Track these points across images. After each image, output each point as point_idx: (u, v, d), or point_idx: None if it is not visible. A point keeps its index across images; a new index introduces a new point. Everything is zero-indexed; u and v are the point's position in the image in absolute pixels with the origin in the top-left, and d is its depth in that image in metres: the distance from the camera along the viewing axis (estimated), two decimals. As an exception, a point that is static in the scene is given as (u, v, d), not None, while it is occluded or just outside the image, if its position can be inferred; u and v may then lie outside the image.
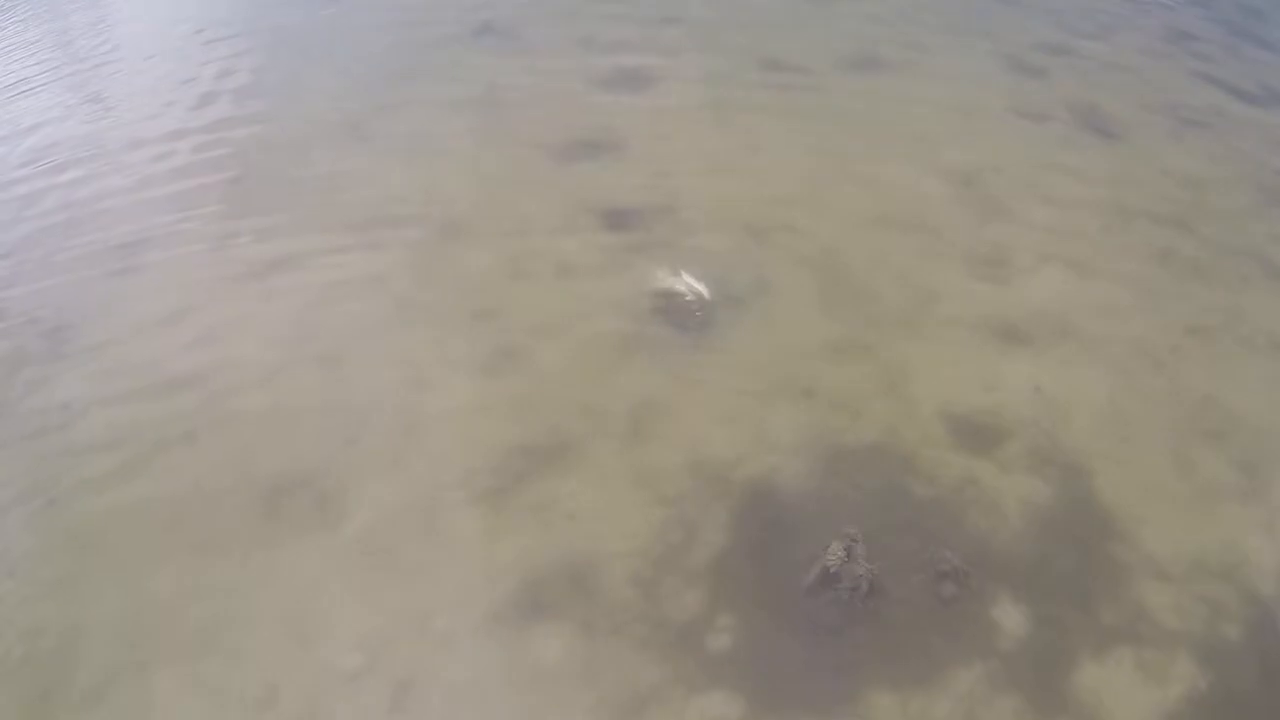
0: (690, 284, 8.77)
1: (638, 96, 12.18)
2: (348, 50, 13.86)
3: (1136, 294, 9.35)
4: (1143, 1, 16.88)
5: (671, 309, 8.65)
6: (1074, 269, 9.58)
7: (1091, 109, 12.70)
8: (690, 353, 8.25)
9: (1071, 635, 6.42)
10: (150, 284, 9.38)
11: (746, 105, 12.09)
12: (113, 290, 9.33)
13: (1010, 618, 6.44)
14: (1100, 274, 9.56)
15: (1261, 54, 15.45)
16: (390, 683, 6.00)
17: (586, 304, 8.73)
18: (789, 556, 6.63)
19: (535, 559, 6.63)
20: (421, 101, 12.15)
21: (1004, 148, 11.62)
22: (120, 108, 12.85)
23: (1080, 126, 12.36)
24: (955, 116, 12.22)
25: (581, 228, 9.73)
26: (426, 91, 12.40)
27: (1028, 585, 6.63)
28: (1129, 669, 6.29)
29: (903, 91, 12.70)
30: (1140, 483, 7.45)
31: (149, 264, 9.63)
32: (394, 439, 7.50)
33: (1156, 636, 6.47)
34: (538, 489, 7.08)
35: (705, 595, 6.44)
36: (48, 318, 9.03)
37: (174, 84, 13.22)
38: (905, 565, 6.59)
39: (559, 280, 9.01)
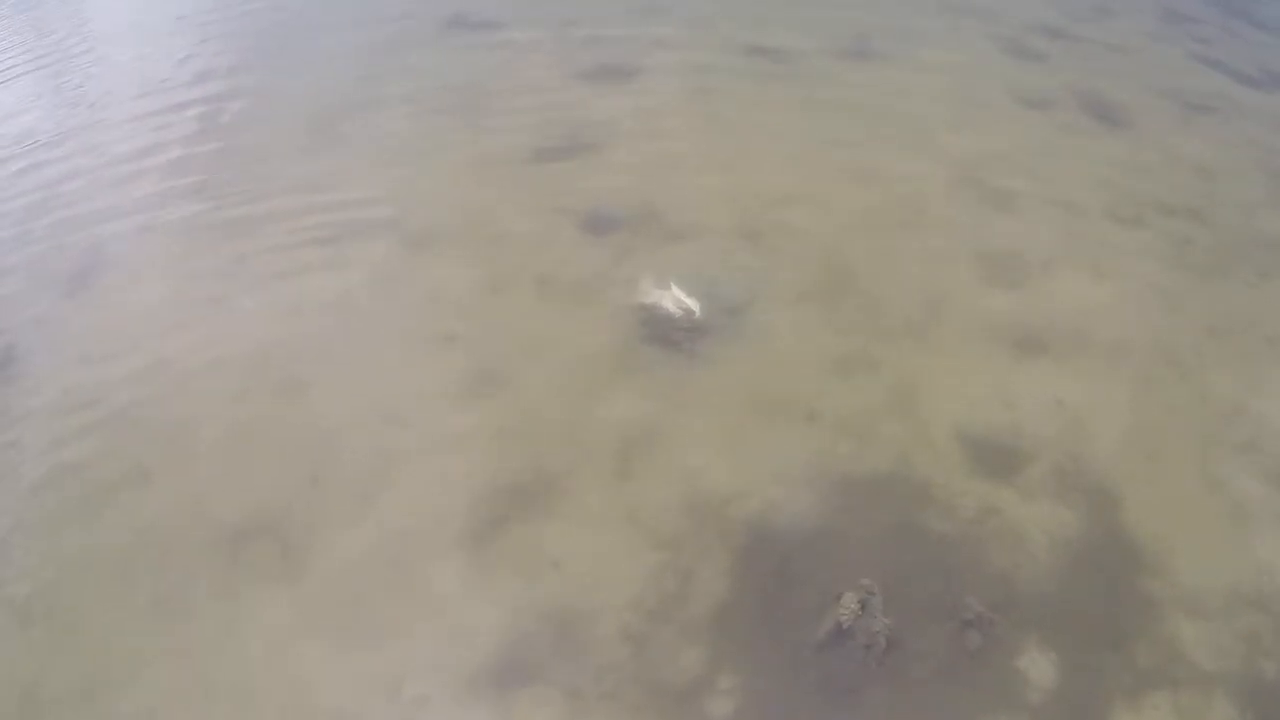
0: (679, 297, 8.11)
1: (620, 89, 11.52)
2: (314, 46, 13.17)
3: (1155, 293, 8.82)
4: (1136, -20, 16.42)
5: (661, 324, 8.00)
6: (1089, 267, 9.02)
7: (1095, 95, 12.17)
8: (682, 373, 7.62)
9: (1104, 682, 5.88)
10: (102, 305, 8.69)
11: (735, 97, 11.46)
12: (63, 313, 8.61)
13: (1038, 667, 5.88)
14: (1116, 272, 9.01)
15: (1259, 35, 15.08)
16: (358, 761, 5.38)
17: (568, 321, 8.08)
18: (797, 606, 6.03)
19: (517, 614, 6.01)
20: (391, 99, 11.46)
21: (1008, 137, 11.07)
22: (85, 109, 12.10)
23: (1085, 113, 11.83)
24: (955, 105, 11.64)
25: (561, 234, 9.07)
26: (397, 88, 11.70)
27: (1056, 629, 6.07)
28: (1165, 716, 5.72)
29: (899, 79, 12.11)
30: (1170, 506, 6.90)
31: (101, 282, 8.92)
32: (362, 478, 6.84)
33: (1193, 679, 5.92)
34: (519, 534, 6.45)
35: (705, 653, 5.83)
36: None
37: (141, 83, 12.47)
38: (925, 614, 6.00)
39: (538, 295, 8.36)
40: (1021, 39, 13.51)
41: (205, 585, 6.29)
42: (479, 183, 9.81)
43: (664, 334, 7.89)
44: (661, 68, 11.91)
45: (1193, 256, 9.37)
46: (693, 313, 8.03)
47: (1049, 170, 10.44)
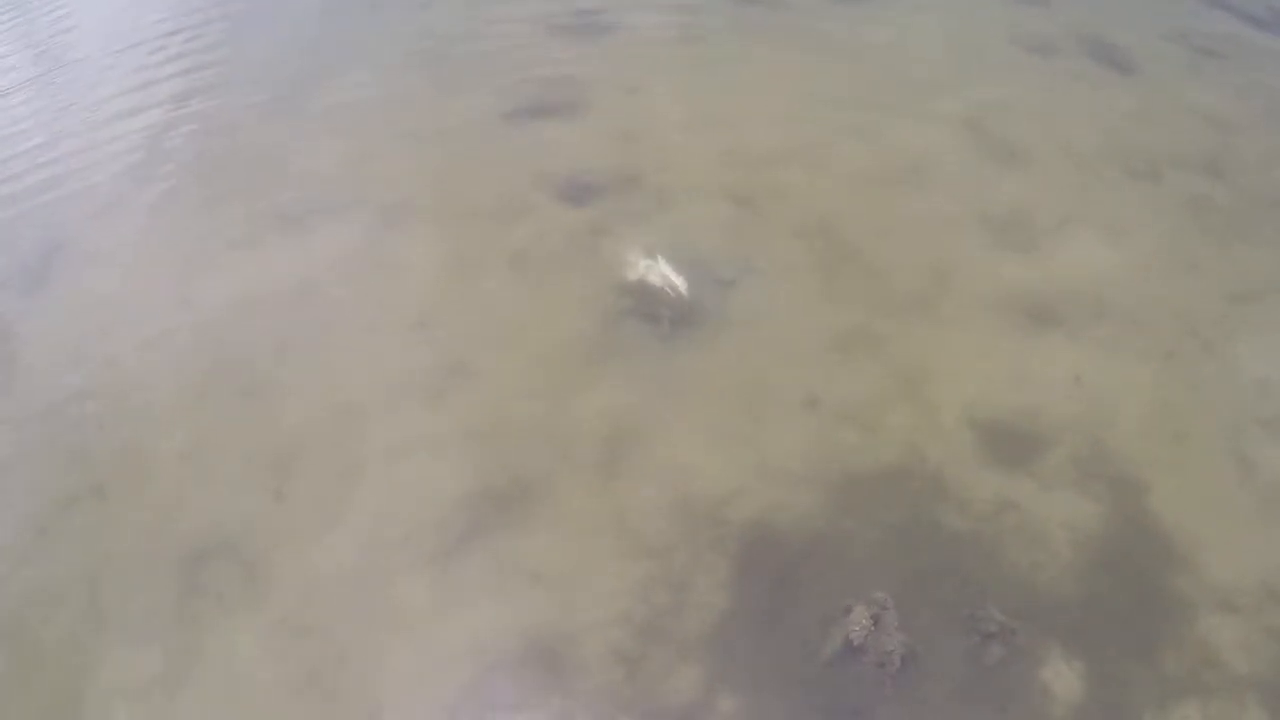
0: (665, 273, 7.49)
1: (599, 42, 10.77)
2: (278, 10, 12.36)
3: (1173, 256, 8.27)
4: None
5: (645, 303, 7.41)
6: (1103, 228, 8.46)
7: (1100, 39, 11.51)
8: (670, 359, 7.03)
9: (1132, 693, 5.43)
10: (58, 299, 8.07)
11: (723, 47, 10.76)
12: (16, 309, 7.97)
13: (1063, 679, 5.42)
14: (1132, 234, 8.45)
15: (1266, -28, 14.32)
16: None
17: (544, 303, 7.47)
18: (802, 619, 5.53)
19: (496, 635, 5.49)
20: (357, 62, 10.73)
21: (1012, 86, 10.42)
22: (45, 83, 11.28)
23: (1091, 59, 11.18)
24: (954, 52, 10.97)
25: (537, 205, 8.41)
26: (363, 53, 10.99)
27: (1081, 635, 5.61)
28: (1197, 726, 5.31)
29: (894, 23, 11.43)
30: (1198, 493, 6.42)
31: (55, 273, 8.28)
32: (326, 488, 6.29)
33: (1224, 684, 5.49)
34: (495, 545, 5.90)
35: (702, 672, 5.33)
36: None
37: (106, 50, 11.63)
38: (941, 626, 5.51)
39: (512, 274, 7.73)
40: (1020, -23, 12.75)
41: (166, 611, 5.79)
42: (448, 150, 9.14)
43: (649, 314, 7.29)
44: (644, 18, 11.17)
45: (1211, 215, 8.81)
46: (680, 289, 7.42)
47: (1056, 122, 9.84)
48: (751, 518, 6.03)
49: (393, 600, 5.69)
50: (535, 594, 5.67)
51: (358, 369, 7.04)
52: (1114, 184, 9.06)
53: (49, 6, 13.35)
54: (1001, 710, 5.25)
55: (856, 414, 6.69)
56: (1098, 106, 10.23)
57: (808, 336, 7.23)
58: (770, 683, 5.29)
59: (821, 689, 5.27)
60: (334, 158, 9.25)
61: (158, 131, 10.02)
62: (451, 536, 5.94)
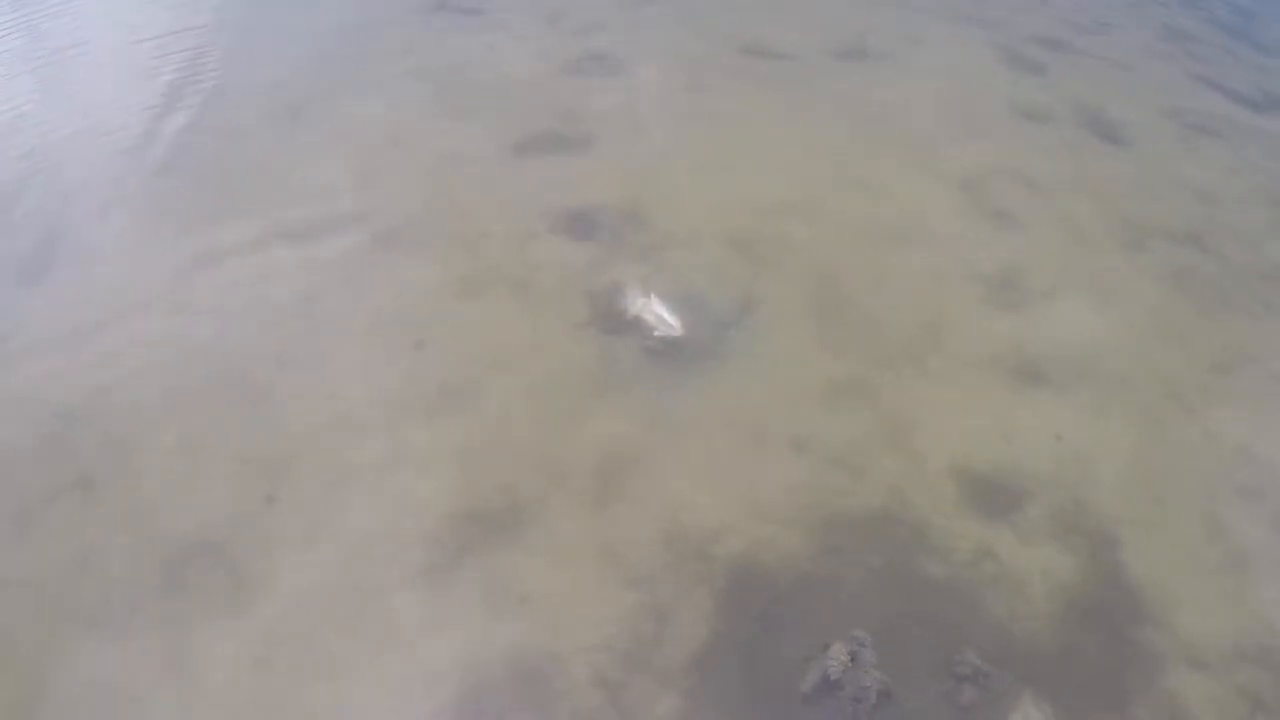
0: (662, 314, 7.67)
1: (608, 83, 11.06)
2: (296, 22, 12.55)
3: (1159, 324, 8.52)
4: (1135, -2, 16.28)
5: (644, 338, 7.56)
6: (1092, 293, 8.72)
7: (1095, 111, 11.90)
8: (666, 393, 7.18)
9: (1103, 742, 5.52)
10: (55, 293, 8.07)
11: (729, 96, 11.04)
12: (12, 299, 7.99)
13: (1034, 724, 5.51)
14: (1119, 299, 8.71)
15: (1258, 57, 14.94)
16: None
17: (545, 330, 7.62)
18: (782, 654, 5.63)
19: (480, 654, 5.55)
20: (369, 84, 10.91)
21: (1009, 151, 10.74)
22: (50, 87, 11.37)
23: (1086, 129, 11.55)
24: (955, 114, 11.30)
25: (541, 236, 8.60)
26: (375, 72, 11.17)
27: (1054, 683, 5.73)
28: (1164, 778, 5.37)
29: (898, 84, 11.77)
30: (1172, 552, 6.60)
31: (57, 269, 8.30)
32: (318, 497, 6.34)
33: (1193, 739, 5.57)
34: (485, 565, 5.98)
35: (682, 701, 5.41)
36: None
37: (110, 62, 11.76)
38: (918, 666, 5.62)
39: (514, 300, 7.88)
40: (1021, 49, 13.24)
41: (148, 609, 5.77)
42: (455, 177, 9.30)
43: (647, 349, 7.45)
44: (653, 63, 11.46)
45: (1196, 286, 9.09)
46: (678, 328, 7.60)
47: (1050, 188, 10.14)
48: (738, 553, 6.15)
49: (379, 613, 5.73)
50: (522, 615, 5.74)
51: (356, 383, 7.13)
52: (1104, 251, 9.33)
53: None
54: (972, 753, 5.35)
55: (845, 459, 6.84)
56: (1091, 176, 10.55)
57: (801, 381, 7.40)
58: (748, 714, 5.38)
59: (799, 722, 5.36)
60: (341, 173, 9.38)
61: (163, 132, 10.13)
62: (441, 554, 6.02)
